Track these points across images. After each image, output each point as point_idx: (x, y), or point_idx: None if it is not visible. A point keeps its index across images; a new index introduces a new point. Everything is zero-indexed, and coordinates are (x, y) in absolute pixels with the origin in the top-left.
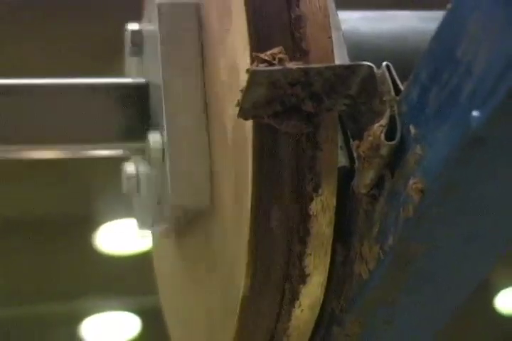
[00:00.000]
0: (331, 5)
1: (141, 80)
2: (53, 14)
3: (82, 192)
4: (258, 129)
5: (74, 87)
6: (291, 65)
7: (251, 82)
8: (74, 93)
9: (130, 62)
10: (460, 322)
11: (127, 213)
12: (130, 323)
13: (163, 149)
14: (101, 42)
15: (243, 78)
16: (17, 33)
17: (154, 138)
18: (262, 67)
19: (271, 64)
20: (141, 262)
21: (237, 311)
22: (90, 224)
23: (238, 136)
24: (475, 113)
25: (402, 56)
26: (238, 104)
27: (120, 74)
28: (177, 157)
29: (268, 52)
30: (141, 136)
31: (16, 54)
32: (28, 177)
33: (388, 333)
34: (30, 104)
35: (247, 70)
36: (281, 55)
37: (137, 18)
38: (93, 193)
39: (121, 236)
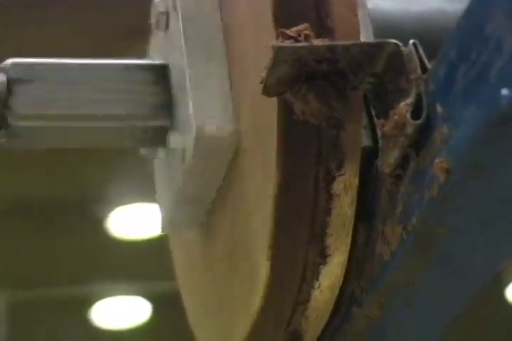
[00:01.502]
0: None
1: (162, 61)
2: None
3: (96, 176)
4: (283, 107)
5: (103, 67)
6: (317, 42)
7: (275, 59)
8: (104, 73)
9: (155, 36)
10: (470, 313)
11: (140, 197)
12: (141, 308)
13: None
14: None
15: (268, 57)
16: (43, 16)
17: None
18: (287, 43)
19: (296, 40)
20: (153, 247)
21: (259, 292)
22: (103, 207)
23: (262, 118)
24: (504, 91)
25: (428, 37)
26: (262, 81)
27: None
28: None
29: (294, 29)
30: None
31: (41, 36)
32: (42, 161)
33: (408, 315)
34: (63, 82)
35: (272, 46)
36: (307, 32)
37: None
38: (107, 177)
39: (133, 221)
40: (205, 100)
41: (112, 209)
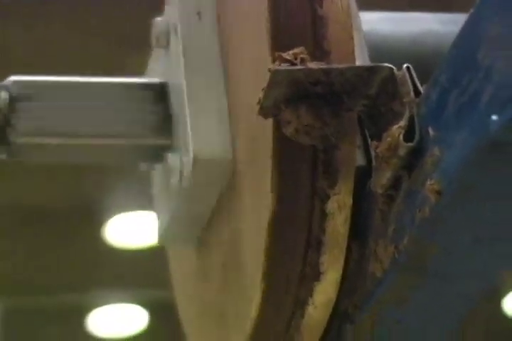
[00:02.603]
0: (353, 5)
1: (161, 80)
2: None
3: (93, 184)
4: (278, 130)
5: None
6: (313, 65)
7: (272, 81)
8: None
9: (155, 52)
10: (467, 324)
11: (138, 206)
12: (138, 316)
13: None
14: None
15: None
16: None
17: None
18: (283, 66)
19: (292, 63)
20: (150, 256)
21: (253, 310)
22: (100, 216)
23: (258, 140)
24: (494, 117)
25: (422, 59)
26: (259, 102)
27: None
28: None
29: (290, 52)
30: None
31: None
32: (38, 169)
33: (399, 332)
34: (64, 100)
35: (269, 69)
36: (303, 55)
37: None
38: (104, 185)
39: (131, 229)
40: (204, 122)
41: (110, 217)
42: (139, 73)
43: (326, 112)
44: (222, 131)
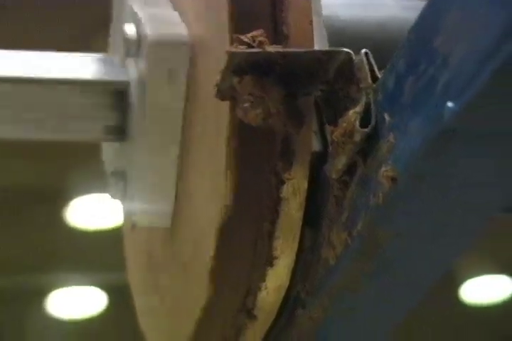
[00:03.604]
0: None
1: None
2: None
3: (55, 166)
4: (234, 112)
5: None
6: (271, 48)
7: (230, 63)
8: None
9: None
10: (425, 312)
11: (100, 188)
12: (97, 298)
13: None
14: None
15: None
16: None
17: None
18: (241, 48)
19: (250, 46)
20: (110, 238)
21: (204, 295)
22: (62, 197)
23: (214, 126)
24: (449, 104)
25: (382, 44)
26: (216, 85)
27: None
28: None
29: (248, 35)
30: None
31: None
32: (1, 149)
33: (351, 318)
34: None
35: (227, 51)
36: (261, 38)
37: None
38: (66, 167)
39: (92, 211)
40: None
41: (72, 199)
42: None
43: (269, 83)
44: None
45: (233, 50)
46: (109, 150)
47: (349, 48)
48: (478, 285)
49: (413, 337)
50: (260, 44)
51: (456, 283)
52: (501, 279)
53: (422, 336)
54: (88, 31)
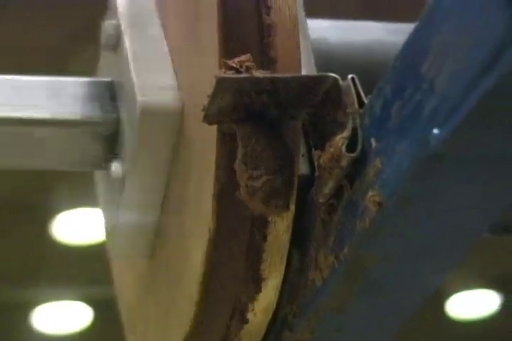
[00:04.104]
0: (301, 13)
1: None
2: None
3: (41, 180)
4: (222, 139)
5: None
6: (258, 74)
7: (218, 89)
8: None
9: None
10: (410, 327)
11: (85, 203)
12: (82, 313)
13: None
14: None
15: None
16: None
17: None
18: (229, 74)
19: (238, 71)
20: (96, 253)
21: (191, 314)
22: (48, 212)
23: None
24: (435, 130)
25: (369, 68)
26: (204, 110)
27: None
28: None
29: (236, 60)
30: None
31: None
32: None
33: (338, 339)
34: None
35: (215, 77)
36: (248, 63)
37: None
38: (52, 181)
39: (77, 226)
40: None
41: (57, 213)
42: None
43: (268, 126)
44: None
45: (221, 75)
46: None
47: (335, 71)
48: (464, 300)
49: None
50: (248, 69)
51: (442, 297)
52: (488, 294)
53: None
54: (86, 31)
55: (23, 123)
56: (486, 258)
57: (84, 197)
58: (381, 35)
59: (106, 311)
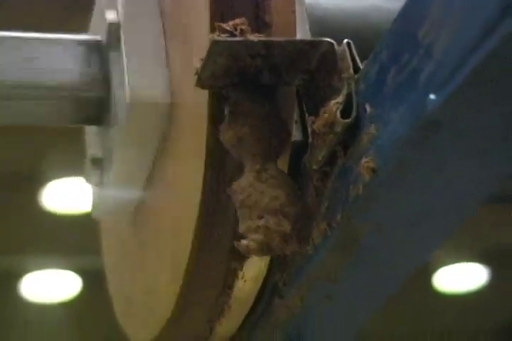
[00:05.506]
0: None
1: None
2: None
3: (30, 149)
4: (214, 99)
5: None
6: (253, 37)
7: (211, 52)
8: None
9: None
10: (397, 299)
11: (75, 172)
12: (71, 282)
13: None
14: None
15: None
16: None
17: None
18: (223, 37)
19: (232, 35)
20: (85, 222)
21: (181, 281)
22: (37, 181)
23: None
24: (432, 96)
25: (364, 34)
26: (197, 73)
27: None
28: None
29: (230, 23)
30: None
31: None
32: None
33: (328, 308)
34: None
35: (209, 39)
36: (243, 27)
37: None
38: (41, 150)
39: (67, 195)
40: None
41: (47, 182)
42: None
43: (262, 91)
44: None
45: (216, 38)
46: (90, 135)
47: (330, 37)
48: (451, 274)
49: (388, 324)
50: (242, 32)
51: (429, 271)
52: (475, 268)
53: (394, 323)
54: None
55: None
56: (474, 231)
57: (74, 167)
58: (377, 0)
59: (95, 281)
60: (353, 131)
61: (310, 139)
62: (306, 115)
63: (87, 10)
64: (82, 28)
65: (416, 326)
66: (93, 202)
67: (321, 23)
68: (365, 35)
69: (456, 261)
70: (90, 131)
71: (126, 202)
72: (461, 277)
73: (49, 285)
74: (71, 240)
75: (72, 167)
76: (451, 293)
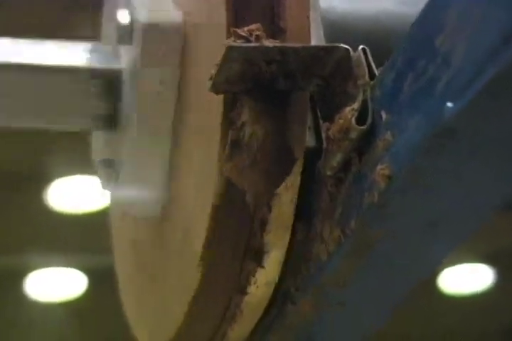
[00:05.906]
0: None
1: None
2: None
3: (35, 147)
4: (229, 104)
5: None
6: (268, 43)
7: (226, 57)
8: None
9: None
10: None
11: (80, 170)
12: (77, 281)
13: None
14: None
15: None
16: None
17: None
18: (238, 42)
19: (247, 40)
20: (91, 220)
21: (194, 285)
22: (43, 179)
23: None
24: (449, 104)
25: (379, 39)
26: (211, 78)
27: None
28: None
29: (245, 28)
30: None
31: None
32: None
33: (340, 314)
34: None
35: (224, 45)
36: (258, 32)
37: None
38: (46, 148)
39: (73, 193)
40: None
41: (53, 180)
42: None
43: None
44: None
45: (231, 43)
46: (98, 139)
47: (342, 42)
48: (457, 275)
49: (392, 326)
50: (257, 38)
51: (434, 271)
52: (481, 269)
53: (399, 324)
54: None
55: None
56: (480, 232)
57: (79, 165)
58: (390, 5)
59: (100, 279)
60: (368, 138)
61: (324, 145)
62: (321, 121)
63: (87, 10)
64: (82, 28)
65: (421, 328)
66: (110, 205)
67: (336, 28)
68: (377, 40)
69: (461, 262)
70: (98, 136)
71: (145, 202)
72: (466, 278)
73: (54, 284)
74: (75, 239)
75: (77, 165)
76: (456, 294)
